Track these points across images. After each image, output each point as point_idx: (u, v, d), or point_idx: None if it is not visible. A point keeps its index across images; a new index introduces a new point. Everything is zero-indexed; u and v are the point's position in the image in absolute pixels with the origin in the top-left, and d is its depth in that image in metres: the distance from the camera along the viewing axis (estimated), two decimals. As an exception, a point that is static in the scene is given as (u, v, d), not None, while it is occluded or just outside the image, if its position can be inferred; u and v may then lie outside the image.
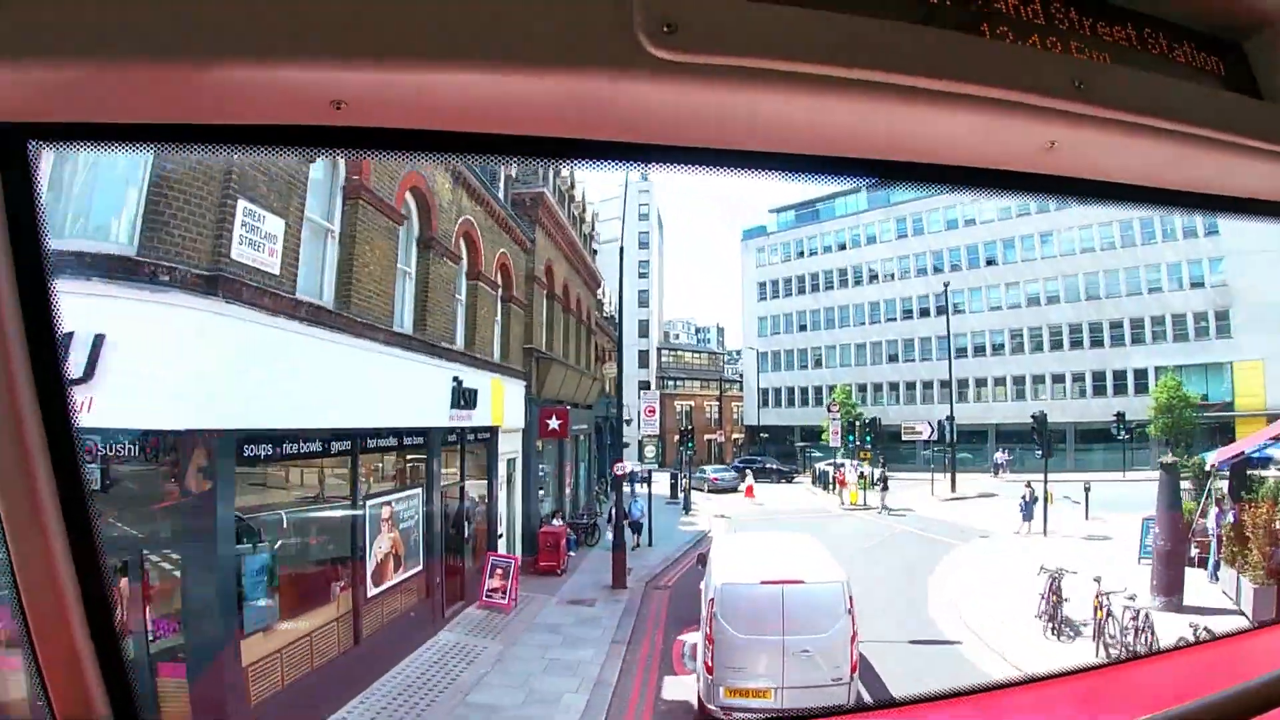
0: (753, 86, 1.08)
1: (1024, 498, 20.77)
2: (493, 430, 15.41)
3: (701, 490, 31.55)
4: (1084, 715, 2.30)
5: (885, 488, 26.78)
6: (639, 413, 35.24)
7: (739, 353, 55.23)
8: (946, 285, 36.10)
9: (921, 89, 1.13)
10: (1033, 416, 22.78)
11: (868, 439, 29.05)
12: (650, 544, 20.67)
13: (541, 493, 19.10)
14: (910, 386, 43.21)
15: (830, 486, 31.23)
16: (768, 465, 40.49)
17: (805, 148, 1.30)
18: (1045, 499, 20.37)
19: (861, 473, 26.69)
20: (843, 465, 29.05)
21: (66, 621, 1.40)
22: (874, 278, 45.57)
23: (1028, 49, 1.25)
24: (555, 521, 19.20)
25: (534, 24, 1.02)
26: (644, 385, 50.92)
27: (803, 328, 48.19)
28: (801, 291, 48.60)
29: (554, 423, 17.71)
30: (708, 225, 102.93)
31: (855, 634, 8.74)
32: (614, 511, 17.48)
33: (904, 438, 31.35)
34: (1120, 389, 37.40)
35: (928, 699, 2.42)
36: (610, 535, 18.56)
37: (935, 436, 30.19)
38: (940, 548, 19.55)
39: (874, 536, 21.61)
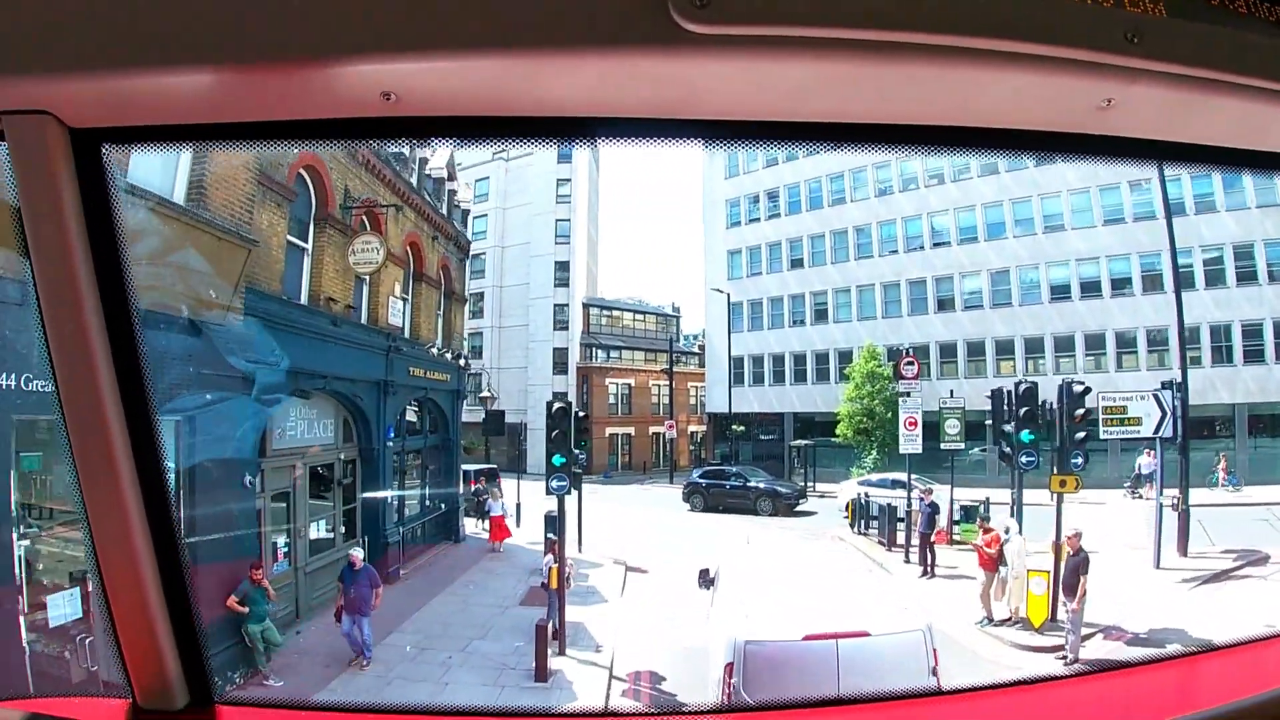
0: (792, 56, 1.04)
1: None
2: None
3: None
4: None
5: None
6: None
7: (698, 336, 38.49)
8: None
9: (968, 49, 1.07)
10: None
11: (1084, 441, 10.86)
12: None
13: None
14: (976, 350, 26.98)
15: (909, 546, 14.54)
16: (749, 483, 23.42)
17: (850, 116, 1.23)
18: None
19: (1071, 538, 9.73)
20: (985, 513, 11.78)
21: (147, 607, 1.44)
22: (910, 183, 29.18)
23: (1076, 3, 1.16)
24: None
25: (568, 4, 1.01)
26: (559, 354, 34.22)
27: (797, 262, 31.48)
28: (796, 209, 31.85)
29: None
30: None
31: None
32: None
33: (1103, 432, 14.79)
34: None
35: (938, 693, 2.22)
36: None
37: (1169, 429, 13.54)
38: None
39: None
